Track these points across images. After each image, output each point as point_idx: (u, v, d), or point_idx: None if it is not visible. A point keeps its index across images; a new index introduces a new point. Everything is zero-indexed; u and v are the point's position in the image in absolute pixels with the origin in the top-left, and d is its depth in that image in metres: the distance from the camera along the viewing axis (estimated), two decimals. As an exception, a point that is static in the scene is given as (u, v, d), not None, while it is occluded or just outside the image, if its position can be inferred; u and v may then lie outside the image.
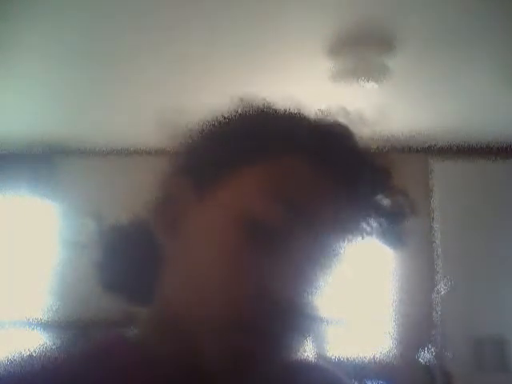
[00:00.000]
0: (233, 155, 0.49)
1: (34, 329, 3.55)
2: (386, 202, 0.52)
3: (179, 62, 2.60)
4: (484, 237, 3.53)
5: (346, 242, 0.48)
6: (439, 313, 3.20)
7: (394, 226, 0.53)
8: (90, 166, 3.89)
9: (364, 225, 0.51)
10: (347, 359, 3.33)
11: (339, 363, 3.19)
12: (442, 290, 3.21)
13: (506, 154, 3.61)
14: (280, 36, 2.35)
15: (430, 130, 3.38)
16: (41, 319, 3.61)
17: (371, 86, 2.48)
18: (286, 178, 0.48)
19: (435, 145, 3.65)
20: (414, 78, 2.77)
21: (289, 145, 0.49)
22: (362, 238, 0.50)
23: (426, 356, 3.11)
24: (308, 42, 2.40)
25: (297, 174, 0.48)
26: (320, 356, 3.16)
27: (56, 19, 2.23)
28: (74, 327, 3.36)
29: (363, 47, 2.40)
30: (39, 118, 3.45)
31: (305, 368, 0.58)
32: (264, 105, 0.52)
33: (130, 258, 0.55)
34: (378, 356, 3.47)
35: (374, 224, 0.52)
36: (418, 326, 3.34)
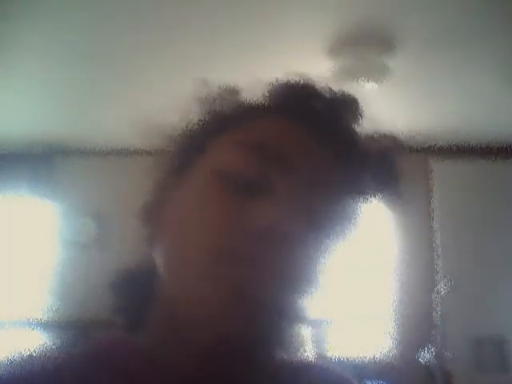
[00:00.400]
0: (207, 131, 0.52)
1: (34, 329, 3.55)
2: (370, 149, 0.51)
3: (179, 61, 2.60)
4: (484, 237, 3.53)
5: (335, 195, 0.47)
6: (439, 313, 3.20)
7: (387, 173, 0.52)
8: (90, 166, 3.89)
9: (355, 177, 0.50)
10: (347, 359, 3.33)
11: (339, 363, 3.19)
12: (441, 290, 3.21)
13: (506, 154, 3.61)
14: (280, 36, 2.35)
15: (430, 129, 3.38)
16: (41, 319, 3.61)
17: (371, 85, 2.49)
18: (257, 132, 0.49)
19: (435, 145, 3.65)
20: (414, 78, 2.77)
21: (258, 109, 0.51)
22: (354, 188, 0.49)
23: (425, 356, 3.11)
24: (308, 42, 2.40)
25: (268, 127, 0.49)
26: (320, 356, 3.16)
27: (56, 19, 2.23)
28: (74, 327, 3.36)
29: (363, 47, 2.40)
30: (39, 118, 3.45)
31: (309, 369, 0.57)
32: (226, 85, 0.54)
33: (138, 298, 0.54)
34: (377, 356, 3.47)
35: (366, 176, 0.51)
36: (418, 326, 3.33)
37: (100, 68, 2.70)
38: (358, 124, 0.51)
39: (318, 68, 2.57)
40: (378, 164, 0.51)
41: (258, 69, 2.76)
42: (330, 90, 0.52)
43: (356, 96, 0.53)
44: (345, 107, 0.52)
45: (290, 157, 0.47)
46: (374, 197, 0.52)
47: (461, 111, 3.23)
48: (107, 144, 3.78)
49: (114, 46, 2.48)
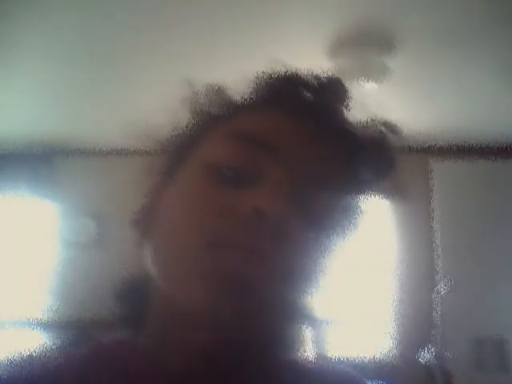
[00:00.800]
0: (198, 130, 0.52)
1: (34, 329, 3.55)
2: (364, 136, 0.50)
3: (179, 62, 2.60)
4: (484, 237, 3.53)
5: (329, 183, 0.47)
6: (439, 313, 3.20)
7: (383, 160, 0.51)
8: (90, 166, 3.89)
9: (350, 164, 0.49)
10: (347, 359, 3.33)
11: (339, 363, 3.19)
12: (441, 290, 3.21)
13: (505, 154, 3.61)
14: (280, 36, 2.35)
15: (430, 129, 3.38)
16: (41, 319, 3.61)
17: (371, 86, 2.48)
18: (246, 123, 0.49)
19: (435, 145, 3.65)
20: (413, 78, 2.77)
21: (248, 103, 0.52)
22: (350, 175, 0.49)
23: (426, 356, 3.10)
24: (308, 42, 2.40)
25: (257, 118, 0.49)
26: (320, 356, 3.16)
27: (56, 19, 2.23)
28: (74, 327, 3.36)
29: (363, 47, 2.40)
30: (39, 118, 3.45)
31: (315, 369, 0.55)
32: (214, 83, 0.55)
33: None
34: (377, 356, 3.47)
35: (362, 162, 0.50)
36: (418, 326, 3.33)
37: (100, 68, 2.70)
38: (349, 109, 0.51)
39: (318, 68, 2.57)
40: (374, 150, 0.51)
41: (257, 69, 2.76)
42: (317, 77, 0.52)
43: (342, 79, 0.52)
44: (333, 93, 0.51)
45: (280, 146, 0.46)
46: (371, 183, 0.51)
47: (461, 111, 3.22)
48: (107, 144, 3.78)
49: (114, 46, 2.48)
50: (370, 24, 2.27)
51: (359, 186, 0.50)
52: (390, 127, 0.52)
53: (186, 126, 0.53)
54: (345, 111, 0.51)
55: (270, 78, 0.53)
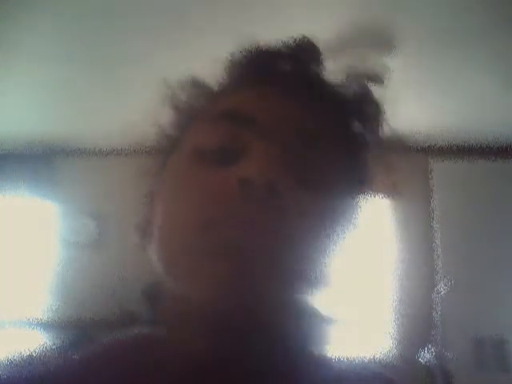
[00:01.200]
0: (182, 124, 0.53)
1: (34, 329, 3.55)
2: (346, 93, 0.50)
3: (179, 62, 2.60)
4: (484, 237, 3.53)
5: (317, 145, 0.47)
6: (439, 313, 3.20)
7: (369, 111, 0.52)
8: (90, 166, 3.89)
9: (336, 125, 0.49)
10: (347, 359, 3.33)
11: (339, 363, 3.18)
12: (441, 290, 3.21)
13: (505, 154, 3.61)
14: (279, 36, 2.35)
15: (430, 129, 3.38)
16: (41, 319, 3.61)
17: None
18: (224, 103, 0.49)
19: (435, 145, 3.65)
20: (413, 78, 2.77)
21: (224, 86, 0.54)
22: (339, 136, 0.48)
23: (426, 356, 3.11)
24: (308, 42, 2.41)
25: (234, 96, 0.50)
26: (320, 356, 3.15)
27: (56, 19, 2.23)
28: (74, 327, 3.36)
29: (363, 47, 2.40)
30: (39, 118, 3.45)
31: (360, 374, 0.55)
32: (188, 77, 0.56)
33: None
34: (378, 356, 3.47)
35: (348, 120, 0.50)
36: (418, 325, 3.33)
37: (100, 68, 2.70)
38: (325, 68, 0.51)
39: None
40: (359, 103, 0.51)
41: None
42: (287, 44, 0.53)
43: (313, 40, 0.52)
44: (307, 56, 0.52)
45: (259, 118, 0.46)
46: (362, 137, 0.51)
47: (461, 111, 3.22)
48: (107, 144, 3.78)
49: (114, 47, 2.48)
50: (369, 24, 2.27)
51: (350, 141, 0.50)
52: (373, 77, 0.53)
53: (173, 124, 0.54)
54: (323, 71, 0.51)
55: (242, 55, 0.54)
